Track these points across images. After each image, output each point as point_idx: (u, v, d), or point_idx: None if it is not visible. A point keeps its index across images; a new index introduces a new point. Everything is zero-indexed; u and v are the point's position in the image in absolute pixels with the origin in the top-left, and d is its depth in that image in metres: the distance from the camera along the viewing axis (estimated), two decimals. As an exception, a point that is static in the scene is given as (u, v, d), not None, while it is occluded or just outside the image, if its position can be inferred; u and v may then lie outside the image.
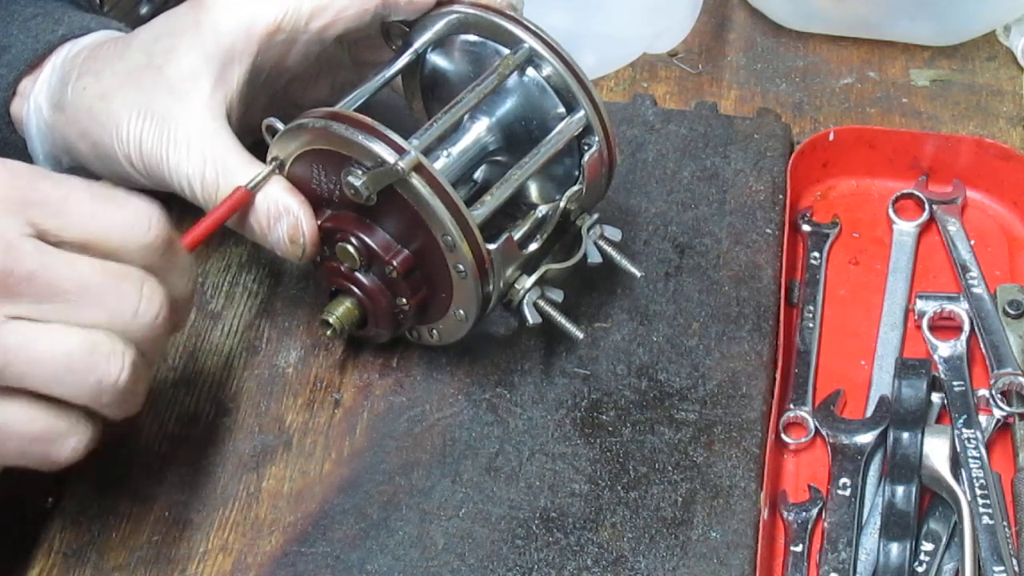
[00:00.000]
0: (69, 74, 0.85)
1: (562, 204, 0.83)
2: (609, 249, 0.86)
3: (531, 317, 0.82)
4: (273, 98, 0.88)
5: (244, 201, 0.81)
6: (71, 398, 0.69)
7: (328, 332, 0.83)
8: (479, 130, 0.85)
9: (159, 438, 0.85)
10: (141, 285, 0.70)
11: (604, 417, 0.85)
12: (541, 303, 0.83)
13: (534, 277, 0.83)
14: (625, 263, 0.86)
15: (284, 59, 0.84)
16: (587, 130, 0.84)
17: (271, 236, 0.82)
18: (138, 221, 0.70)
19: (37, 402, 0.68)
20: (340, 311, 0.83)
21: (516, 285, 0.82)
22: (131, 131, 0.83)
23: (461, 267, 0.78)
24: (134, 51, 0.84)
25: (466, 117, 0.83)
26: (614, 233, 0.87)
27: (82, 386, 0.68)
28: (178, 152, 0.82)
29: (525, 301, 0.82)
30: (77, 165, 0.90)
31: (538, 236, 0.83)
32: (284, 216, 0.81)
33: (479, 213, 0.79)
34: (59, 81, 0.86)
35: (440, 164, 0.83)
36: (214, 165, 0.81)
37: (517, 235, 0.82)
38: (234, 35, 0.81)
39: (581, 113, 0.83)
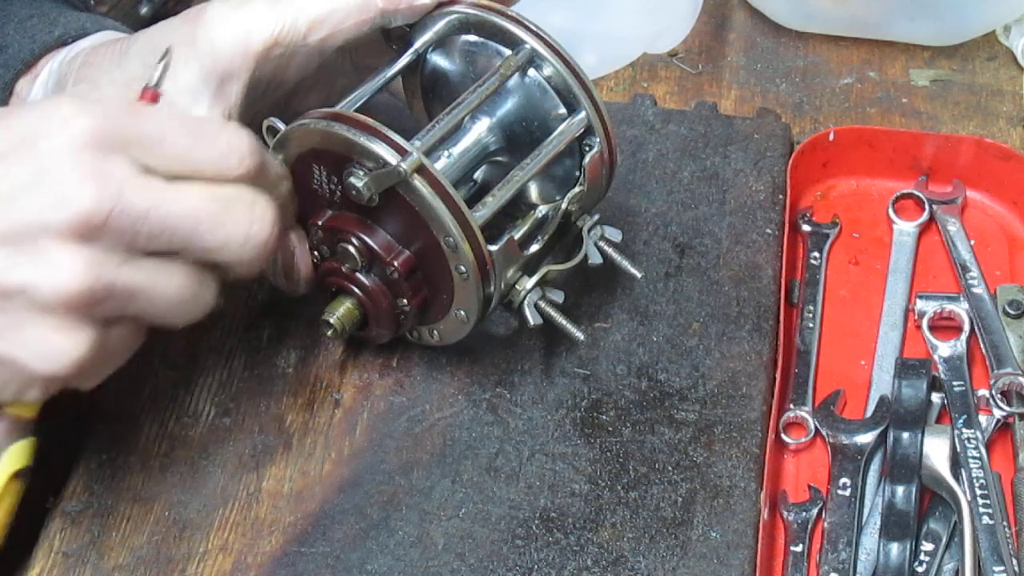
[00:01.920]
0: (66, 79, 0.85)
1: (564, 205, 0.83)
2: (609, 250, 0.86)
3: (532, 318, 0.82)
4: (273, 108, 0.87)
5: None
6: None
7: (329, 332, 0.83)
8: (480, 130, 0.85)
9: (159, 438, 0.85)
10: (252, 207, 0.72)
11: (604, 417, 0.85)
12: (542, 304, 0.83)
13: (535, 278, 0.83)
14: (625, 264, 0.86)
15: (283, 72, 0.84)
16: (588, 131, 0.84)
17: (268, 268, 0.83)
18: (232, 151, 0.72)
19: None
20: (341, 312, 0.83)
21: (517, 286, 0.82)
22: None
23: (462, 268, 0.78)
24: (131, 61, 0.83)
25: (467, 118, 0.83)
26: (614, 234, 0.87)
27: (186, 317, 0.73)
28: None
29: (526, 302, 0.82)
30: None
31: (539, 237, 0.83)
32: (286, 251, 0.82)
33: (481, 215, 0.79)
34: (56, 85, 0.86)
35: (441, 164, 0.83)
36: None
37: (517, 236, 0.82)
38: (231, 51, 0.81)
39: (582, 114, 0.83)
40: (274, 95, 0.86)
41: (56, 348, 0.69)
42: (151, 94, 0.79)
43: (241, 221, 0.71)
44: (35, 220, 0.67)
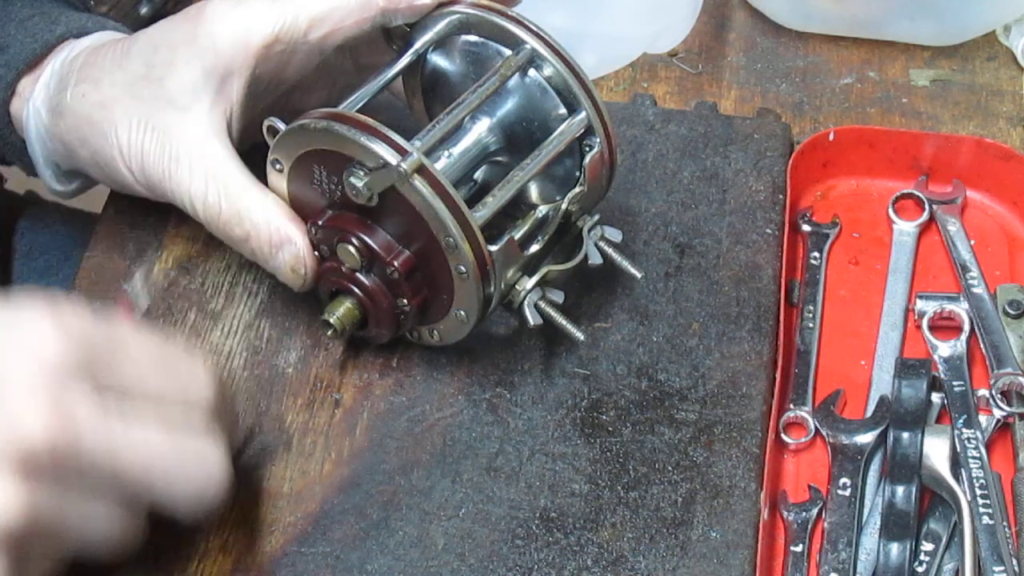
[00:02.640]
0: (67, 79, 0.85)
1: (564, 206, 0.83)
2: (609, 250, 0.86)
3: (532, 318, 0.82)
4: (273, 106, 0.87)
5: None
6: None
7: (329, 332, 0.83)
8: (480, 131, 0.85)
9: (159, 438, 0.85)
10: (206, 462, 0.70)
11: (604, 417, 0.85)
12: (542, 304, 0.83)
13: (535, 278, 0.83)
14: (626, 264, 0.86)
15: (283, 70, 0.84)
16: (588, 131, 0.84)
17: (272, 262, 0.83)
18: (193, 385, 0.71)
19: None
20: (341, 311, 0.83)
21: (517, 286, 0.82)
22: (132, 143, 0.83)
23: (462, 268, 0.78)
24: (133, 60, 0.84)
25: (467, 118, 0.83)
26: (614, 234, 0.87)
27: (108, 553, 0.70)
28: (180, 170, 0.82)
29: (526, 302, 0.82)
30: (76, 169, 0.90)
31: (539, 237, 0.83)
32: (286, 245, 0.81)
33: (481, 215, 0.79)
34: (57, 85, 0.86)
35: (441, 165, 0.83)
36: (216, 187, 0.82)
37: (518, 236, 0.82)
38: (232, 49, 0.81)
39: (583, 114, 0.83)
40: (274, 93, 0.86)
41: None
42: (127, 303, 0.78)
43: (194, 478, 0.69)
44: None
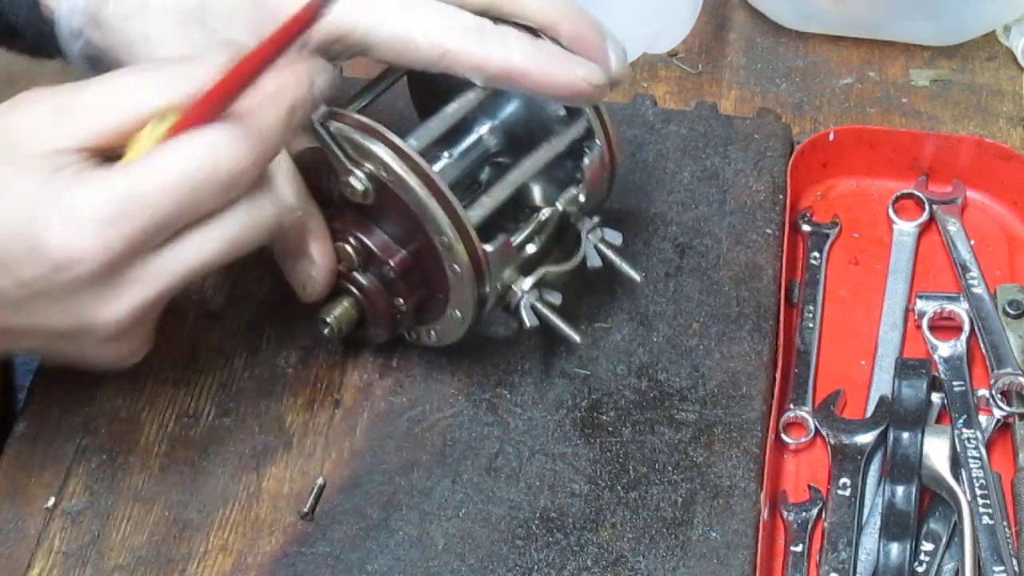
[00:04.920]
0: None
1: (560, 207, 0.83)
2: (609, 253, 0.86)
3: (528, 320, 0.82)
4: None
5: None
6: None
7: (326, 331, 0.83)
8: (481, 132, 0.85)
9: (159, 438, 0.85)
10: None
11: (604, 417, 0.85)
12: (539, 306, 0.83)
13: (532, 279, 0.82)
14: (625, 267, 0.86)
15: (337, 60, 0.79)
16: (589, 133, 0.84)
17: (285, 265, 0.82)
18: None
19: None
20: (338, 311, 0.83)
21: (514, 287, 0.82)
22: None
23: (457, 268, 0.78)
24: None
25: (469, 119, 0.83)
26: (614, 236, 0.87)
27: None
28: None
29: (523, 303, 0.82)
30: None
31: (537, 238, 0.83)
32: (307, 263, 0.81)
33: (475, 214, 0.79)
34: None
35: (441, 165, 0.83)
36: None
37: (518, 237, 0.82)
38: None
39: (583, 116, 0.83)
40: None
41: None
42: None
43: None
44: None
